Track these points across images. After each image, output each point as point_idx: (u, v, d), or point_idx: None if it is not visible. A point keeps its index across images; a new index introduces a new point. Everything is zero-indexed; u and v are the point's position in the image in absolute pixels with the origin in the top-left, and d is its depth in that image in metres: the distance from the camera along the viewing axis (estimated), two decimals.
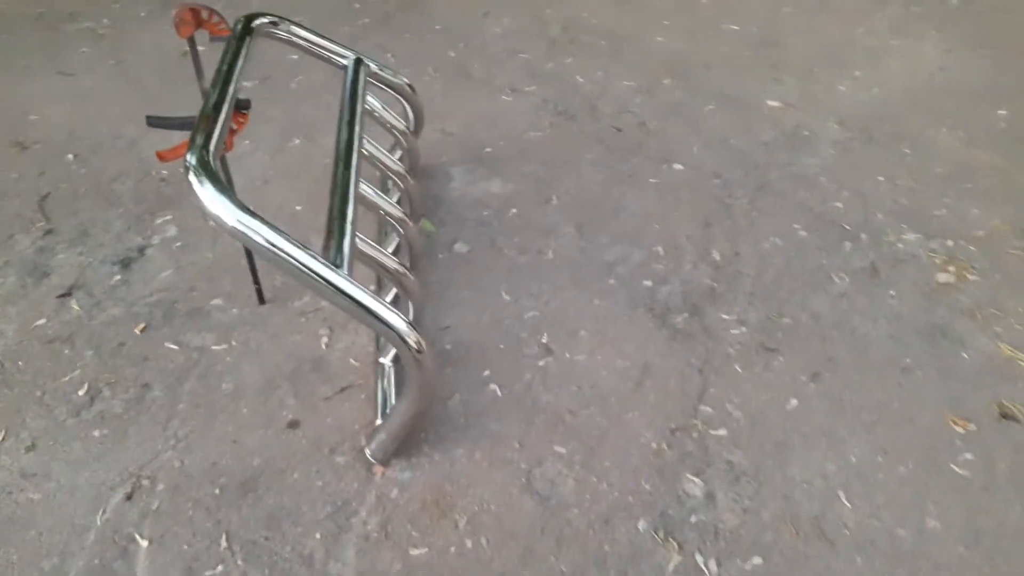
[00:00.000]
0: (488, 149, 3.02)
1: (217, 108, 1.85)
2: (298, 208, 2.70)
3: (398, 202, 2.41)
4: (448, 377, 2.15)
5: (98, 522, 1.82)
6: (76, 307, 2.33)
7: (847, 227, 2.69)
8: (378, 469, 1.93)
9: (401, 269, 1.96)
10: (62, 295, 2.36)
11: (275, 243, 1.66)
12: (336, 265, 1.73)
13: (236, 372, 2.15)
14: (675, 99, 3.35)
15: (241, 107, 1.98)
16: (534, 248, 2.57)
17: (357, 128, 2.18)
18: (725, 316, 2.35)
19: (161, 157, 1.98)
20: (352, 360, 2.19)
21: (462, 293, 2.40)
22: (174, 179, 2.83)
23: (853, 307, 2.39)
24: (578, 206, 2.76)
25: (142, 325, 2.27)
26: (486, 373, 2.16)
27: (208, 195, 1.65)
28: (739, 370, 2.19)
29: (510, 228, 2.65)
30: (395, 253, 2.26)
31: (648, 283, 2.46)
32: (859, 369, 2.20)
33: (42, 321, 2.28)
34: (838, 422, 2.06)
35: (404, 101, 2.67)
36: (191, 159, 1.71)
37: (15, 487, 1.88)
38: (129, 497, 1.87)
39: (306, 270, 1.67)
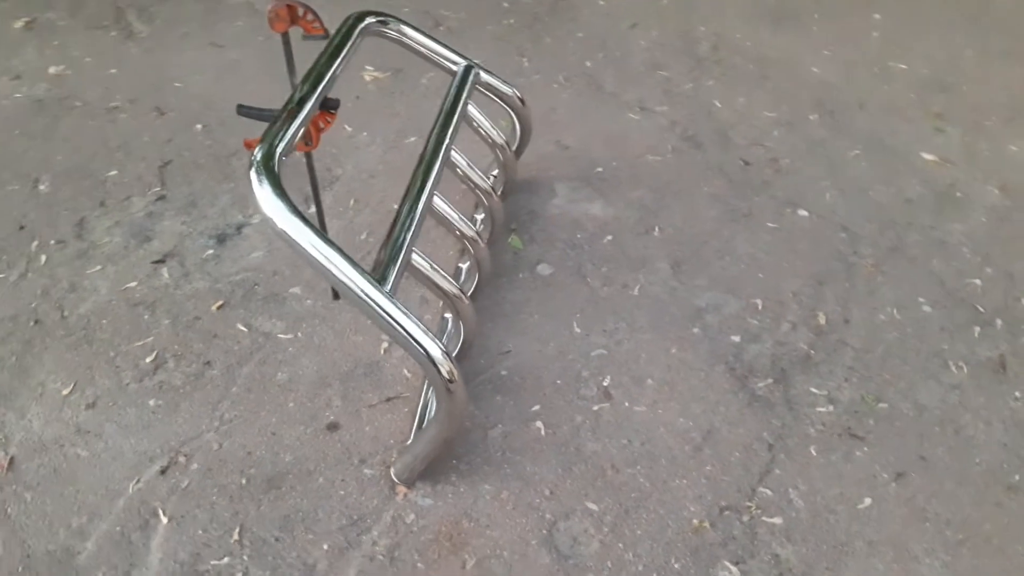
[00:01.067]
0: (599, 168, 2.89)
1: (299, 107, 1.85)
2: (395, 207, 2.69)
3: (482, 219, 2.33)
4: (496, 405, 2.06)
5: (130, 490, 1.87)
6: (166, 275, 2.42)
7: (981, 309, 2.36)
8: (401, 489, 1.87)
9: (456, 292, 1.88)
10: (157, 261, 2.47)
11: (320, 251, 1.63)
12: (380, 280, 1.68)
13: (294, 364, 2.16)
14: (818, 137, 3.08)
15: (329, 107, 1.97)
16: (620, 280, 2.43)
17: (447, 137, 2.13)
18: (814, 390, 2.12)
19: (247, 145, 2.00)
20: (406, 371, 2.14)
21: (533, 317, 2.31)
22: (290, 162, 2.89)
23: (966, 403, 2.09)
24: (680, 242, 2.58)
25: (220, 302, 2.33)
26: (535, 408, 2.06)
27: (264, 194, 1.64)
28: (814, 454, 1.97)
29: (601, 255, 2.51)
30: (467, 272, 2.18)
31: (736, 338, 2.26)
32: (954, 477, 1.92)
33: (133, 284, 2.39)
34: (914, 534, 1.80)
35: (512, 113, 2.59)
36: (257, 155, 1.72)
37: (68, 441, 1.97)
38: (164, 471, 1.91)
39: (347, 281, 1.64)
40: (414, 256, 1.82)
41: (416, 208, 1.91)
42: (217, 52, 3.54)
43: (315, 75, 1.96)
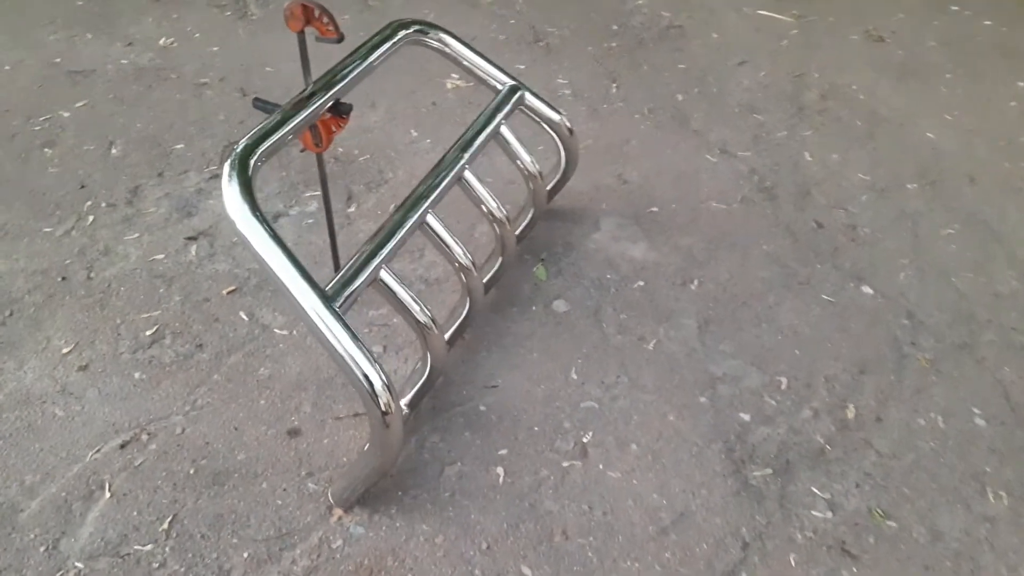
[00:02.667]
0: (655, 208, 2.72)
1: (298, 108, 1.82)
2: None
3: (498, 247, 2.22)
4: (462, 441, 1.95)
5: (88, 458, 1.90)
6: (193, 252, 2.46)
7: None
8: (337, 511, 1.80)
9: (425, 320, 1.79)
10: (189, 238, 2.52)
11: (271, 259, 1.59)
12: (333, 295, 1.62)
13: (280, 361, 2.14)
14: (910, 208, 2.77)
15: (341, 111, 1.93)
16: (638, 331, 2.26)
17: (465, 157, 2.05)
18: (816, 490, 1.89)
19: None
20: None
21: (532, 355, 2.18)
22: (345, 159, 2.90)
23: (994, 540, 1.80)
24: (717, 299, 2.38)
25: (232, 287, 2.35)
26: (502, 452, 1.94)
27: (231, 192, 1.63)
28: (792, 564, 1.75)
29: (625, 301, 2.35)
30: (467, 303, 2.08)
31: (746, 416, 2.05)
32: None
33: (161, 256, 2.45)
34: None
35: (558, 142, 2.47)
36: (236, 150, 1.70)
37: (50, 399, 2.03)
38: (123, 446, 1.93)
39: (293, 290, 1.59)
40: (384, 275, 1.75)
41: (403, 223, 1.84)
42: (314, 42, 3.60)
43: (328, 77, 1.93)
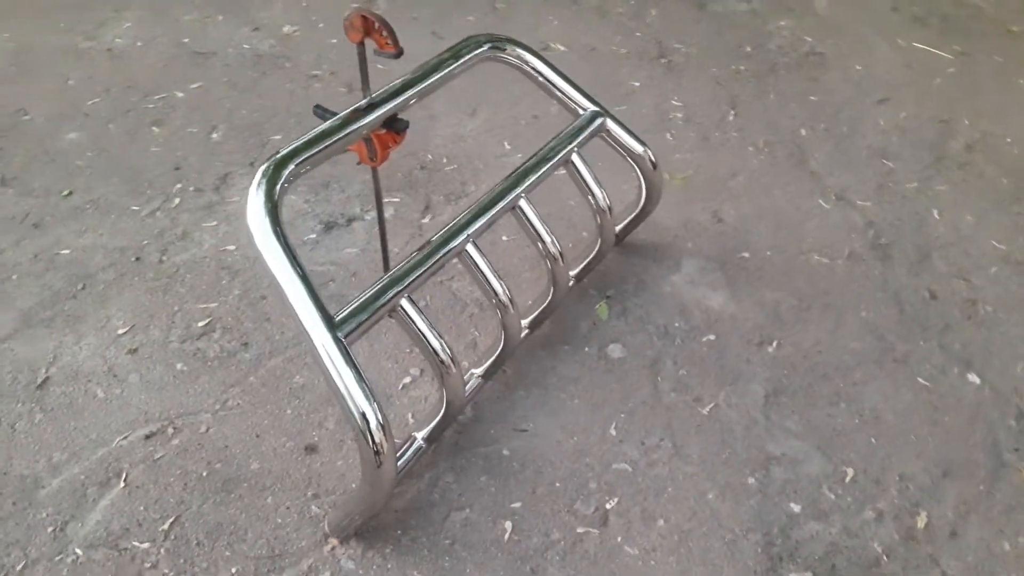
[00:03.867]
0: (746, 254, 2.49)
1: (347, 122, 1.75)
2: (503, 237, 2.53)
3: (549, 285, 2.08)
4: (476, 486, 1.84)
5: (114, 444, 1.93)
6: None
7: None
8: (332, 541, 1.74)
9: (446, 359, 1.69)
10: None
11: (283, 278, 1.54)
12: (340, 322, 1.55)
13: (316, 371, 2.10)
14: None
15: (396, 128, 1.86)
16: (695, 392, 2.07)
17: (523, 186, 1.94)
18: None
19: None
20: (410, 415, 1.99)
21: (573, 401, 2.04)
22: (431, 166, 2.84)
23: None
24: (795, 368, 2.14)
25: None
26: (516, 505, 1.81)
27: (255, 204, 1.59)
28: None
29: (689, 355, 2.16)
30: (501, 342, 1.96)
31: (796, 508, 1.83)
32: None
33: (231, 247, 2.47)
34: None
35: (640, 175, 2.29)
36: (273, 159, 1.65)
37: (95, 379, 2.08)
38: (149, 437, 1.95)
39: (298, 313, 1.53)
40: (404, 304, 1.66)
41: (436, 252, 1.75)
42: (437, 42, 3.57)
43: (387, 92, 1.86)
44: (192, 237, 2.51)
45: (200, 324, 2.23)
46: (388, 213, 2.62)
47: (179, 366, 2.12)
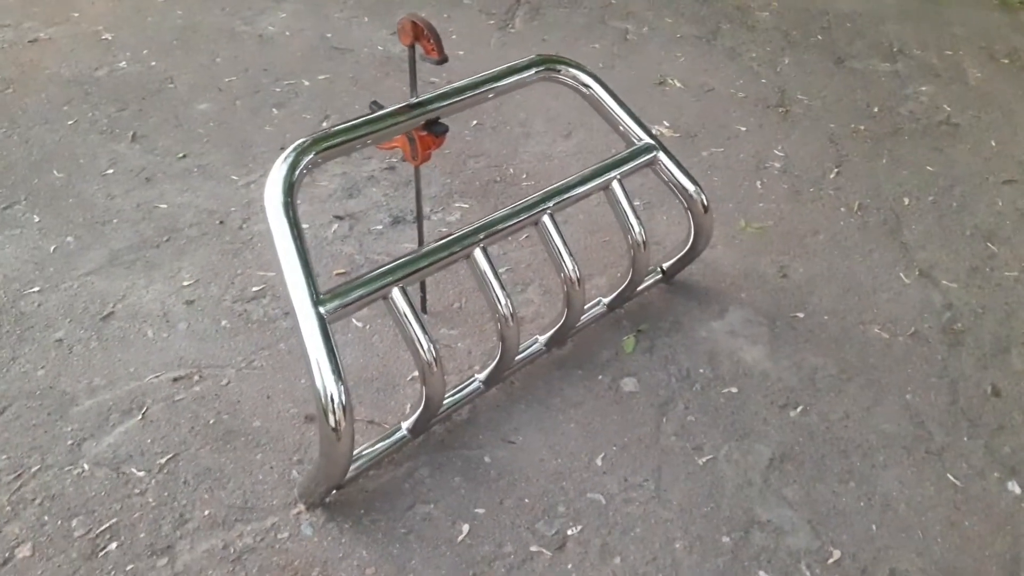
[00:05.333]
0: (799, 314, 2.38)
1: (382, 118, 1.85)
2: None
3: (563, 306, 2.08)
4: (448, 485, 1.88)
5: (145, 381, 2.12)
6: (332, 231, 2.63)
7: None
8: (301, 505, 1.83)
9: (430, 359, 1.74)
10: (337, 216, 2.69)
11: (283, 249, 1.66)
12: (321, 300, 1.64)
13: (341, 349, 2.20)
14: None
15: (436, 131, 1.94)
16: (697, 440, 2.01)
17: (552, 202, 1.96)
18: None
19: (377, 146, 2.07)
20: (409, 406, 2.06)
21: (569, 425, 2.03)
22: (510, 179, 2.91)
23: None
24: (813, 437, 2.03)
25: (343, 271, 2.48)
26: (479, 511, 1.83)
27: (275, 179, 1.72)
28: None
29: (704, 403, 2.10)
30: (498, 353, 1.98)
31: None
32: None
33: (305, 226, 2.64)
34: None
35: (689, 215, 2.25)
36: (302, 143, 1.77)
37: (150, 321, 2.29)
38: (176, 380, 2.13)
39: (289, 285, 1.64)
40: (396, 297, 1.73)
41: (443, 250, 1.81)
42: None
43: (434, 94, 1.95)
44: None
45: (254, 289, 2.40)
46: (453, 216, 2.71)
47: (224, 322, 2.29)
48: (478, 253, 1.85)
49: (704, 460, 1.97)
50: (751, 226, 2.73)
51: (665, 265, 2.40)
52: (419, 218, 2.17)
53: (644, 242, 2.12)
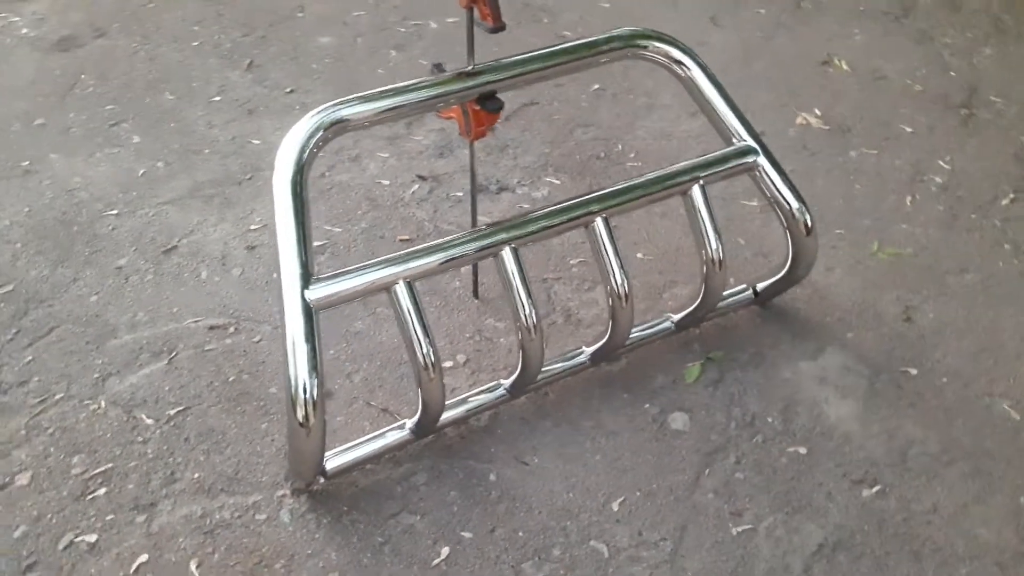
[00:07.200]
0: (913, 371, 1.98)
1: (430, 88, 1.67)
2: (636, 247, 2.28)
3: (610, 320, 1.81)
4: (443, 499, 1.72)
5: (183, 324, 2.10)
6: (412, 191, 2.49)
7: None
8: (287, 488, 1.74)
9: (426, 362, 1.56)
10: (420, 176, 2.55)
11: (284, 225, 1.54)
12: (308, 284, 1.50)
13: (377, 326, 2.09)
14: None
15: (489, 107, 1.73)
16: (739, 504, 1.72)
17: (606, 204, 1.72)
18: None
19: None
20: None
21: (595, 457, 1.80)
22: (616, 157, 2.63)
23: None
24: (883, 527, 1.68)
25: (408, 237, 2.34)
26: (466, 535, 1.66)
27: (290, 144, 1.58)
28: None
29: (760, 461, 1.79)
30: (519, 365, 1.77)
31: None
32: None
33: (386, 182, 2.52)
34: None
35: (788, 235, 1.90)
36: (324, 114, 1.61)
37: (207, 262, 2.26)
38: (212, 328, 2.09)
39: (281, 262, 1.52)
40: (400, 291, 1.56)
41: (462, 245, 1.61)
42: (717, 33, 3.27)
43: (490, 64, 1.73)
44: (360, 162, 2.59)
45: (316, 244, 2.30)
46: (540, 192, 2.48)
47: (275, 275, 2.21)
48: (506, 253, 1.63)
49: (740, 530, 1.68)
50: (884, 251, 2.31)
51: (759, 286, 2.07)
52: (473, 199, 1.98)
53: (720, 260, 1.81)
